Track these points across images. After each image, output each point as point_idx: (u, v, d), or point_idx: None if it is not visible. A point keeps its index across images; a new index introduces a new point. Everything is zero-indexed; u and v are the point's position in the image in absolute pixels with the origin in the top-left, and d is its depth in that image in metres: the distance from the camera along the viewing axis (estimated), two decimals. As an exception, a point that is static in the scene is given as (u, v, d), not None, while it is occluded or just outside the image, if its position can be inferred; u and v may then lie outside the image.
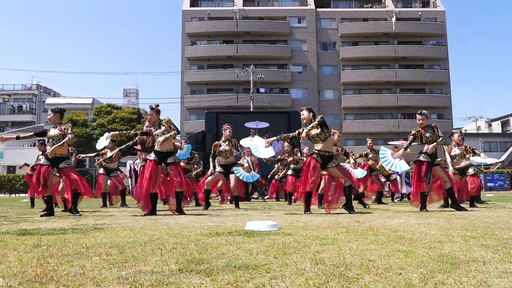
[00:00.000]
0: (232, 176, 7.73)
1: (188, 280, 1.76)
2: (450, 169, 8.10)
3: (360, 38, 42.07)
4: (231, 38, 41.49)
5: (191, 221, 4.66)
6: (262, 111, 30.70)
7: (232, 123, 8.99)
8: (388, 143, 18.79)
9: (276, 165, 11.74)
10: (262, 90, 40.01)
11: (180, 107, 40.78)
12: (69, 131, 6.05)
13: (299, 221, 4.54)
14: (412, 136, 6.40)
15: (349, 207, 5.95)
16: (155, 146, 5.96)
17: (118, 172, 9.74)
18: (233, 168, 7.73)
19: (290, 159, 9.65)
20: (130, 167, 13.39)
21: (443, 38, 41.93)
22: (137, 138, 7.64)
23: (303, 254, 2.34)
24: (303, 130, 5.88)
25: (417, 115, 6.56)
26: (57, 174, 6.58)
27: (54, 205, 6.57)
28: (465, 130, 49.06)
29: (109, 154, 9.20)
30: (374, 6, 43.93)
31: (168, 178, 6.02)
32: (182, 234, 3.35)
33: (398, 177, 11.11)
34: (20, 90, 53.22)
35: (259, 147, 6.50)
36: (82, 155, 9.38)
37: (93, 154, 9.89)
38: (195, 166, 10.12)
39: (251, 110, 32.22)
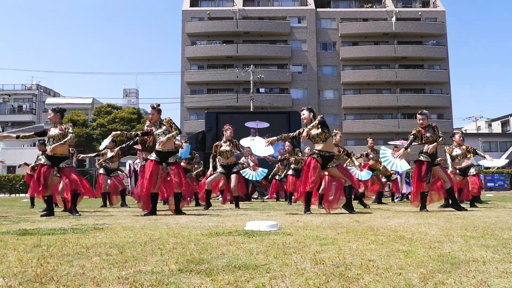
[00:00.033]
0: (233, 176, 7.74)
1: (188, 280, 1.76)
2: (449, 170, 8.11)
3: (360, 38, 42.06)
4: (231, 38, 41.49)
5: (191, 221, 4.66)
6: (262, 111, 30.69)
7: (232, 123, 8.99)
8: (388, 143, 18.78)
9: (276, 165, 11.74)
10: (262, 90, 40.01)
11: (180, 107, 40.78)
12: (70, 130, 6.06)
13: (299, 221, 4.54)
14: (412, 136, 6.40)
15: (349, 207, 5.95)
16: (156, 146, 5.97)
17: (119, 172, 9.74)
18: (241, 171, 7.76)
19: (292, 159, 9.65)
20: (130, 167, 13.39)
21: (443, 38, 41.93)
22: (137, 138, 7.65)
23: (303, 254, 2.34)
24: (304, 130, 5.88)
25: (417, 115, 6.56)
26: (57, 174, 6.58)
27: (54, 205, 6.57)
28: (465, 130, 49.08)
29: (109, 154, 9.21)
30: (374, 6, 43.93)
31: (169, 178, 6.03)
32: (182, 234, 3.35)
33: (398, 177, 11.12)
34: (20, 90, 53.25)
35: (258, 146, 6.52)
36: (82, 155, 9.39)
37: (93, 154, 9.90)
38: (196, 166, 10.12)
39: (251, 110, 32.22)
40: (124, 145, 8.24)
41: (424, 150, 6.30)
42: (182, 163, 6.75)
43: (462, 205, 6.68)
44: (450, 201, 6.53)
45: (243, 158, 11.01)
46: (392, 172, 9.91)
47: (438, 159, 6.52)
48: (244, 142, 10.05)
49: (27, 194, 12.36)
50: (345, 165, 8.38)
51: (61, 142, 5.96)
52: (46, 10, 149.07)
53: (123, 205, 9.22)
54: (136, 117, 35.37)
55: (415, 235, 3.13)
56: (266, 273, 1.89)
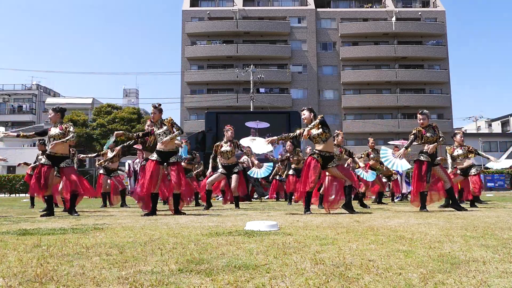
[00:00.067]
0: (233, 177, 7.75)
1: (188, 280, 1.76)
2: (449, 170, 8.12)
3: (360, 38, 42.07)
4: (231, 38, 41.49)
5: (191, 221, 4.66)
6: (262, 111, 30.70)
7: (232, 123, 8.99)
8: (388, 143, 18.79)
9: (277, 165, 11.75)
10: (262, 90, 40.01)
11: (180, 107, 40.79)
12: (71, 130, 6.06)
13: (299, 221, 4.54)
14: (413, 136, 6.40)
15: (349, 207, 5.95)
16: (158, 146, 5.97)
17: (119, 172, 9.75)
18: (248, 171, 7.77)
19: (294, 158, 9.65)
20: (130, 166, 13.40)
21: (443, 38, 41.94)
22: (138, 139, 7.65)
23: (303, 254, 2.34)
24: (304, 129, 5.89)
25: (418, 114, 6.56)
26: (58, 174, 6.58)
27: (54, 205, 6.57)
28: (465, 130, 48.97)
29: (109, 155, 9.21)
30: (374, 6, 43.93)
31: (169, 178, 6.03)
32: (182, 234, 3.35)
33: (398, 177, 11.11)
34: (20, 90, 53.25)
35: (258, 145, 6.53)
36: (82, 155, 9.40)
37: (94, 155, 9.91)
38: (196, 166, 10.14)
39: (251, 110, 32.23)
40: (126, 143, 8.25)
41: (424, 150, 6.30)
42: (182, 163, 6.75)
43: (462, 205, 6.69)
44: (450, 201, 6.53)
45: (244, 157, 11.00)
46: (393, 172, 9.91)
47: (438, 158, 6.52)
48: (244, 141, 10.05)
49: (27, 194, 12.38)
50: (345, 165, 8.38)
51: (63, 140, 5.96)
52: (46, 10, 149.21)
53: (123, 205, 9.23)
54: (136, 117, 35.35)
55: (415, 235, 3.13)
56: (266, 273, 1.89)
